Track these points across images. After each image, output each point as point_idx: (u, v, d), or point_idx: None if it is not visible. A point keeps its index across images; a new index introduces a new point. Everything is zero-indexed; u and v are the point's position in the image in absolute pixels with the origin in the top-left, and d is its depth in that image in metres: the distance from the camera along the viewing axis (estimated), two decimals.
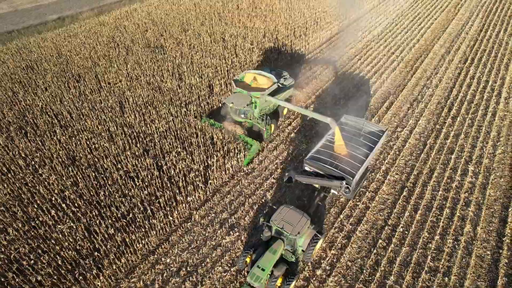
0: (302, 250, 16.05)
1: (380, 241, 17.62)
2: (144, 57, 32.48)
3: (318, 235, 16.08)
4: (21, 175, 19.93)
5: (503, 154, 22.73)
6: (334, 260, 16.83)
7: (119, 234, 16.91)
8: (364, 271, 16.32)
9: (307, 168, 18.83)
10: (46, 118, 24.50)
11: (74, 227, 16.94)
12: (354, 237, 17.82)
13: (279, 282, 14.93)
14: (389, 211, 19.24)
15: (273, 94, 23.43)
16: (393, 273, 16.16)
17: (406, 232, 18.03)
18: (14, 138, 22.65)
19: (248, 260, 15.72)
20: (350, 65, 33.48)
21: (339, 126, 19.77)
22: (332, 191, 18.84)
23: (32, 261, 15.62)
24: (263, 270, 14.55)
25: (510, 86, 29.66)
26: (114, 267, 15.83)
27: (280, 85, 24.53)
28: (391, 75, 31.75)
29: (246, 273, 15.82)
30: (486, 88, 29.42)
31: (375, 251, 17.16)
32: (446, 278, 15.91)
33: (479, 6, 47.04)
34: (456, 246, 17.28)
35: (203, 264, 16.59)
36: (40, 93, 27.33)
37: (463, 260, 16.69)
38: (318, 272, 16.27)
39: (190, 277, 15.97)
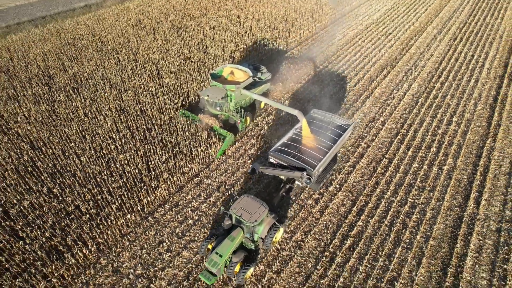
0: (261, 238, 16.41)
1: (379, 169, 21.88)
2: (170, 35, 36.71)
3: (278, 224, 16.47)
4: (85, 120, 24.11)
5: (482, 110, 27.00)
6: (342, 182, 21.08)
7: (170, 160, 21.13)
8: (366, 188, 20.57)
9: (272, 160, 19.44)
10: (94, 81, 28.73)
11: (133, 156, 21.17)
12: (357, 166, 22.07)
13: (237, 268, 15.39)
14: (386, 149, 23.51)
15: (249, 87, 24.03)
16: (390, 190, 20.40)
17: (400, 163, 22.28)
18: (70, 96, 26.87)
19: (210, 247, 16.22)
20: (352, 43, 37.74)
21: (307, 120, 20.47)
22: (296, 182, 19.45)
23: (105, 177, 19.86)
24: (220, 256, 14.93)
25: (492, 59, 33.93)
26: (168, 183, 20.06)
27: (257, 79, 25.27)
28: (388, 50, 36.03)
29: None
30: (472, 61, 33.73)
31: (375, 175, 21.42)
32: (431, 193, 20.15)
33: None
34: (440, 172, 21.53)
35: (238, 183, 20.81)
36: (85, 63, 31.55)
37: (445, 182, 20.93)
38: (330, 188, 20.52)
39: (227, 193, 20.20)
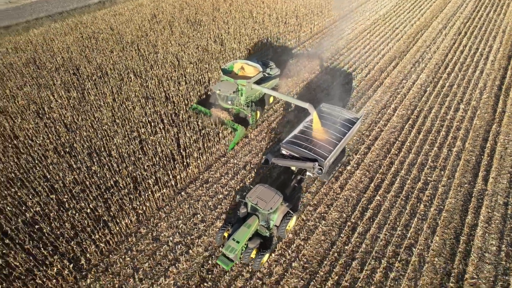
0: (276, 226, 17.02)
1: (392, 150, 23.36)
2: (186, 29, 38.16)
3: (291, 212, 17.17)
4: (114, 106, 25.54)
5: (488, 98, 28.51)
6: (359, 161, 22.55)
7: (198, 142, 22.58)
8: (382, 167, 22.05)
9: (283, 152, 19.92)
10: (118, 70, 30.17)
11: (164, 137, 22.63)
12: (372, 148, 23.56)
13: (253, 254, 16.01)
14: (398, 133, 25.00)
15: (259, 83, 24.64)
16: (403, 169, 21.88)
17: (412, 145, 23.78)
18: (97, 84, 28.30)
19: (226, 235, 16.79)
20: (361, 37, 39.24)
21: (317, 113, 20.90)
22: (307, 173, 19.92)
23: (139, 156, 21.32)
24: (237, 242, 15.48)
25: (496, 52, 35.46)
26: (198, 162, 21.51)
27: (266, 75, 25.90)
28: (396, 44, 37.53)
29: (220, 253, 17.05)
30: (476, 53, 35.26)
31: (389, 156, 22.90)
32: (442, 172, 21.65)
33: None
34: (450, 153, 23.03)
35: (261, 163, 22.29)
36: (108, 54, 32.99)
37: (455, 162, 22.42)
38: (348, 167, 22.00)
39: (253, 171, 21.65)
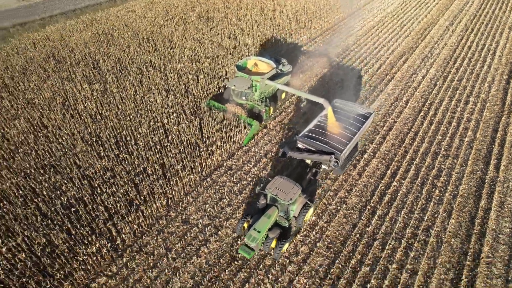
0: (294, 216, 17.55)
1: (406, 140, 24.27)
2: (200, 25, 39.06)
3: (309, 203, 17.71)
4: (136, 98, 26.42)
5: (496, 91, 29.43)
6: (375, 150, 23.44)
7: (221, 131, 23.49)
8: (397, 156, 22.95)
9: (300, 146, 20.34)
10: (137, 64, 31.06)
11: (188, 126, 23.52)
12: (387, 138, 24.46)
13: (273, 244, 16.49)
14: (411, 124, 25.90)
15: (272, 79, 25.04)
16: (418, 157, 22.77)
17: (425, 136, 24.68)
18: (118, 77, 29.19)
19: (245, 226, 17.23)
20: (370, 33, 40.15)
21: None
22: (322, 166, 20.52)
23: (165, 144, 22.22)
24: (258, 232, 15.98)
25: (503, 47, 36.38)
26: (221, 150, 22.40)
27: (279, 71, 26.29)
28: (405, 40, 38.44)
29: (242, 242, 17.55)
30: (484, 49, 36.18)
31: (403, 145, 23.80)
32: (455, 160, 22.55)
33: None
34: (461, 143, 23.93)
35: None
36: (125, 49, 33.88)
37: (467, 151, 23.32)
38: (365, 155, 22.90)
39: (273, 159, 22.55)
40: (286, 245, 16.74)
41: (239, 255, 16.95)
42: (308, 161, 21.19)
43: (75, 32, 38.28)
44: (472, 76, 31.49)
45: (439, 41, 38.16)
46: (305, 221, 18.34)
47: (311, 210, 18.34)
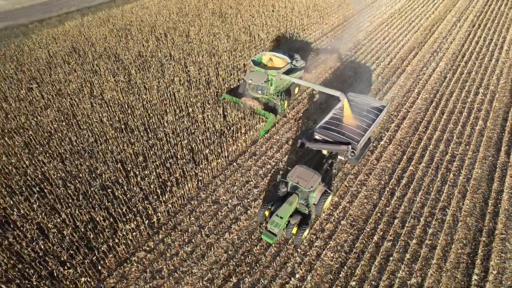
0: (314, 204, 18.21)
1: (420, 128, 25.39)
2: (214, 21, 40.19)
3: (328, 191, 18.55)
4: (159, 89, 27.54)
5: (505, 84, 30.53)
6: (391, 138, 24.55)
7: (244, 119, 24.61)
8: (412, 142, 24.05)
9: (317, 137, 20.92)
10: (158, 58, 32.20)
11: (212, 115, 24.65)
12: (402, 126, 25.58)
13: (294, 230, 17.25)
14: (423, 113, 27.01)
15: (286, 74, 25.75)
16: (431, 144, 23.88)
17: (437, 124, 25.78)
18: (141, 69, 30.32)
19: (267, 213, 17.94)
20: (380, 29, 41.27)
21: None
22: (338, 157, 21.26)
23: (192, 131, 23.33)
24: (281, 218, 16.69)
25: (510, 42, 37.48)
26: (245, 137, 23.51)
27: (293, 66, 26.99)
28: (414, 35, 39.55)
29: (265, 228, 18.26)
30: (491, 44, 37.29)
31: (417, 133, 24.92)
32: (467, 146, 23.66)
33: None
34: (473, 131, 25.04)
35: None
36: (144, 43, 35.02)
37: (478, 138, 24.42)
38: (381, 142, 24.00)
39: (294, 146, 23.69)
40: (307, 231, 17.48)
41: (263, 240, 17.81)
42: (325, 152, 22.05)
43: (93, 28, 39.40)
44: (481, 69, 32.59)
45: (447, 36, 39.26)
46: (324, 209, 19.06)
47: (329, 198, 18.98)
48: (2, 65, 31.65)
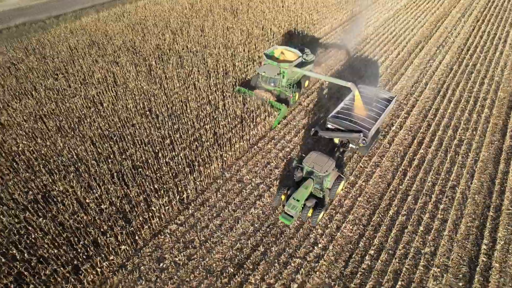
0: (328, 188, 19.10)
1: (428, 115, 26.72)
2: (227, 16, 41.54)
3: (342, 176, 19.54)
4: (180, 78, 28.87)
5: (509, 74, 31.87)
6: (401, 124, 25.89)
7: (263, 106, 25.94)
8: (422, 128, 25.38)
9: (329, 126, 21.91)
10: (175, 50, 33.54)
11: (233, 102, 26.00)
12: (411, 113, 26.91)
13: (310, 212, 18.22)
14: (431, 102, 28.35)
15: (297, 67, 26.63)
16: (440, 129, 25.20)
17: (445, 112, 27.11)
18: (160, 61, 31.67)
19: (283, 197, 18.88)
20: (387, 24, 42.62)
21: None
22: (350, 145, 22.21)
23: (214, 117, 24.68)
24: (298, 200, 17.65)
25: None
26: (265, 122, 24.84)
27: (303, 60, 27.93)
28: (420, 30, 40.89)
29: (280, 212, 19.24)
30: (495, 38, 38.62)
31: (426, 119, 26.25)
32: (474, 132, 24.96)
33: None
34: (479, 118, 26.35)
35: (316, 125, 25.63)
36: (161, 37, 36.36)
37: (484, 125, 25.74)
38: (393, 128, 25.34)
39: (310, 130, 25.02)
40: (322, 213, 18.36)
41: (280, 222, 18.90)
42: (336, 141, 23.12)
43: (109, 23, 40.75)
44: (486, 62, 33.93)
45: (452, 31, 40.59)
46: (337, 193, 19.99)
47: (342, 183, 19.83)
48: (26, 58, 33.00)
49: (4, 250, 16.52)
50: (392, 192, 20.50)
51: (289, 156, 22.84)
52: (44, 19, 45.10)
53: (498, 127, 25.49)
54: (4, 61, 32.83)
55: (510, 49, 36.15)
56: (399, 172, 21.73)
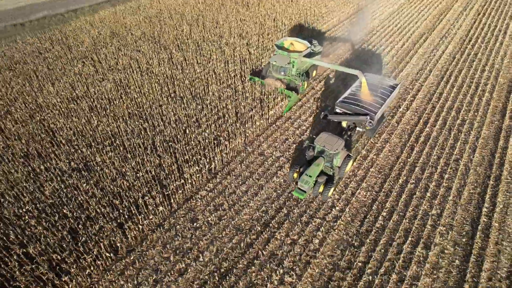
0: (338, 166, 20.30)
1: (433, 98, 28.65)
2: (240, 9, 43.49)
3: (350, 154, 20.79)
4: (200, 65, 30.80)
5: (509, 63, 33.80)
6: (408, 106, 27.82)
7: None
8: (427, 110, 27.31)
9: (337, 110, 23.21)
10: (193, 39, 35.49)
11: (253, 85, 27.92)
12: (417, 97, 28.85)
13: (321, 188, 19.55)
14: (435, 87, 30.27)
15: (306, 57, 27.96)
16: (444, 111, 27.12)
17: (448, 96, 29.02)
18: (179, 49, 33.61)
19: (295, 175, 20.29)
20: (392, 17, 44.54)
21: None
22: (357, 128, 23.45)
23: (236, 98, 26.63)
24: (310, 176, 18.99)
25: None
26: (282, 103, 26.79)
27: (311, 51, 29.38)
28: (423, 23, 42.81)
29: (293, 188, 20.50)
30: (495, 30, 40.54)
31: (431, 102, 28.18)
32: (476, 113, 26.91)
33: None
34: (480, 101, 28.27)
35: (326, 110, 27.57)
36: (177, 28, 38.32)
37: (485, 107, 27.67)
38: (400, 109, 27.27)
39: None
40: (332, 189, 19.82)
41: (294, 196, 20.56)
42: (344, 124, 24.38)
43: (127, 15, 42.70)
44: (486, 51, 35.85)
45: (454, 23, 42.52)
46: (346, 172, 21.36)
47: (351, 162, 21.20)
48: (52, 48, 34.95)
49: (56, 210, 18.48)
50: (401, 164, 22.44)
51: (305, 133, 24.79)
52: (63, 12, 47.04)
53: (498, 109, 27.42)
54: (31, 50, 34.79)
55: (510, 39, 38.06)
56: (407, 147, 23.66)
